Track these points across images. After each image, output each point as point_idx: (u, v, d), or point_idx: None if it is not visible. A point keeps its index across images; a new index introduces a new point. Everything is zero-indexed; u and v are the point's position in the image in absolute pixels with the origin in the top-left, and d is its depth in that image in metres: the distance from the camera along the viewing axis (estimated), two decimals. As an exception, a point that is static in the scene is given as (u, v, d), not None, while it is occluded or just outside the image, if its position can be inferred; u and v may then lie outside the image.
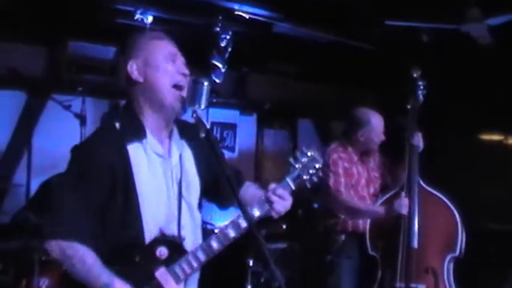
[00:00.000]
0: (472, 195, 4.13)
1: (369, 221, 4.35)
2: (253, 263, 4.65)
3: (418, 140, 4.30)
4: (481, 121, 6.32)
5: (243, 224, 2.41)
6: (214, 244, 2.41)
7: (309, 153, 2.78)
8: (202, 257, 2.40)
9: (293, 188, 2.62)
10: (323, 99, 7.88)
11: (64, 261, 2.32)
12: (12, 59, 5.63)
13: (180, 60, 2.53)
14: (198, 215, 2.59)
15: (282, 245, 6.00)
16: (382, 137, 4.51)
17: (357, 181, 4.50)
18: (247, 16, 5.57)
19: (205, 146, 2.38)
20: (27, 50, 5.95)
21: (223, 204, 2.79)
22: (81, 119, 5.84)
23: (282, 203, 2.54)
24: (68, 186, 2.37)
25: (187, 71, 2.51)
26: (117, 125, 2.44)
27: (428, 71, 4.44)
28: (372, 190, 4.55)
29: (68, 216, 2.32)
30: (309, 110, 8.24)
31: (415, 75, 4.26)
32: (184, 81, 2.48)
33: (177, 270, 2.38)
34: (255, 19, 5.73)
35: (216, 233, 2.43)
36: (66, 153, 2.39)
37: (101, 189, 2.33)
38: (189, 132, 2.57)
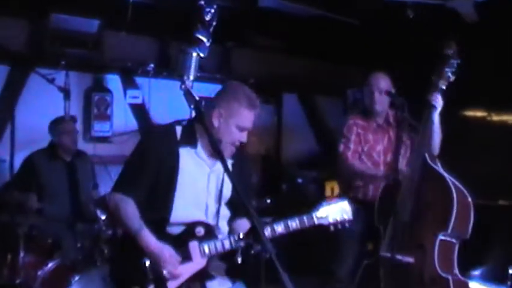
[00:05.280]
0: (455, 171, 4.12)
1: (378, 195, 4.38)
2: (243, 235, 4.66)
3: (436, 100, 4.18)
4: (465, 97, 6.35)
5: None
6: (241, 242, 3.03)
7: (341, 204, 3.29)
8: (227, 245, 3.10)
9: (316, 222, 3.21)
10: (308, 74, 7.87)
11: (114, 208, 3.12)
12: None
13: (246, 132, 3.18)
14: (227, 212, 3.31)
15: (266, 219, 6.02)
16: (377, 97, 4.52)
17: (371, 147, 4.58)
18: (232, -11, 5.53)
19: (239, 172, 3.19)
20: (9, 23, 5.87)
21: (234, 215, 3.37)
22: (65, 92, 5.81)
23: None
24: (132, 159, 3.20)
25: (245, 140, 3.18)
26: (178, 129, 3.18)
27: (413, 46, 4.43)
28: (389, 158, 4.57)
29: (126, 178, 3.16)
30: (294, 84, 8.22)
31: (447, 52, 4.11)
32: (236, 146, 3.17)
33: (206, 247, 3.10)
34: (240, -8, 5.68)
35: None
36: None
37: (150, 171, 3.09)
38: (237, 155, 3.25)
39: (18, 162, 5.27)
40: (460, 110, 6.91)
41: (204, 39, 3.25)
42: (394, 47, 6.46)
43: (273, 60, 7.72)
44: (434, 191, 4.09)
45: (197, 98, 2.78)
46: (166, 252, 3.06)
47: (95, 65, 6.51)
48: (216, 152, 2.83)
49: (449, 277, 3.95)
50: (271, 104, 8.30)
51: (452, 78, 4.12)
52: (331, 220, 3.25)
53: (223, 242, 3.12)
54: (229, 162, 3.17)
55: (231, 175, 2.78)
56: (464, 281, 4.04)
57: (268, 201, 6.91)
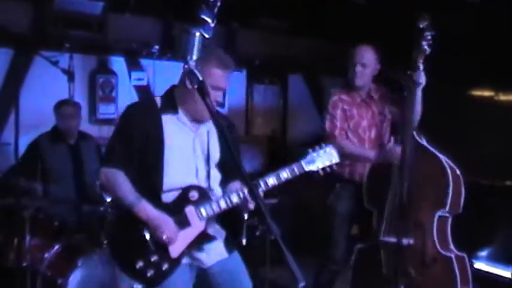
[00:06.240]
0: (462, 152, 4.09)
1: (366, 174, 4.35)
2: (248, 216, 4.65)
3: (420, 77, 4.10)
4: (472, 77, 6.30)
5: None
6: (234, 198, 3.13)
7: (327, 149, 3.35)
8: (223, 205, 3.14)
9: (306, 169, 3.30)
10: (314, 55, 7.80)
11: (106, 183, 3.19)
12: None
13: (222, 91, 3.20)
14: (218, 175, 3.34)
15: (272, 201, 6.01)
16: (359, 70, 4.44)
17: (357, 123, 4.49)
18: (236, -31, 5.46)
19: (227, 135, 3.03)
20: (12, 6, 5.82)
21: (225, 178, 3.40)
22: (69, 74, 5.79)
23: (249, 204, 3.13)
24: (117, 133, 3.22)
25: (220, 100, 3.20)
26: (158, 99, 3.23)
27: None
28: (373, 134, 4.50)
29: (114, 152, 3.18)
30: (300, 65, 8.16)
31: (421, 25, 4.06)
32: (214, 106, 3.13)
33: (202, 210, 3.14)
34: (244, -28, 5.62)
35: (238, 191, 3.15)
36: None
37: (136, 142, 3.12)
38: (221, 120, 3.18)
39: (22, 145, 5.26)
40: (467, 89, 6.85)
41: (209, 20, 3.22)
42: (399, 27, 6.38)
43: (278, 41, 7.65)
44: (428, 169, 4.08)
45: (200, 78, 2.80)
46: (162, 220, 3.10)
47: (99, 47, 6.48)
48: (213, 116, 2.88)
49: (452, 255, 3.96)
50: (277, 85, 8.27)
51: (428, 51, 4.05)
52: (320, 165, 3.33)
53: (219, 202, 3.17)
54: (211, 125, 3.28)
55: (225, 132, 2.85)
56: (462, 256, 4.04)
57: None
